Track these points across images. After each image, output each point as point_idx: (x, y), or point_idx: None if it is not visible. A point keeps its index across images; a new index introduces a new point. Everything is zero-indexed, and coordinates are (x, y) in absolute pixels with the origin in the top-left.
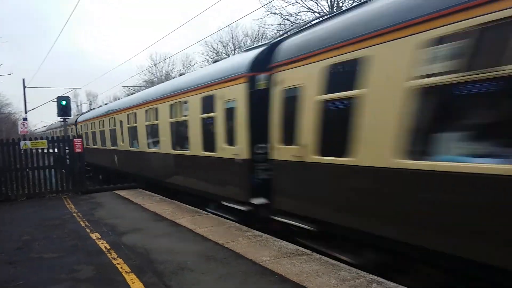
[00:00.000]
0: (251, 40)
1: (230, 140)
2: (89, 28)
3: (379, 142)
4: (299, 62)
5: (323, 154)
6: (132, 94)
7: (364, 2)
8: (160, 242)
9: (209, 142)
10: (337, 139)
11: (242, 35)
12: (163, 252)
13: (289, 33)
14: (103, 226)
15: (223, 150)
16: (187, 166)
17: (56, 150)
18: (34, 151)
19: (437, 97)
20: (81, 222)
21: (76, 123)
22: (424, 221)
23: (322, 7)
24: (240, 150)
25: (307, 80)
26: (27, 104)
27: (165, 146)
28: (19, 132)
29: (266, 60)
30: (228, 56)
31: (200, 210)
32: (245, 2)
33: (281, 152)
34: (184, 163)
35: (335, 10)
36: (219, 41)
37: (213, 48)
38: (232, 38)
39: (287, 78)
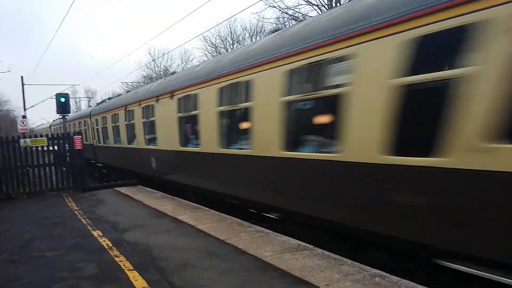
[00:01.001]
0: (249, 34)
1: None
2: (86, 26)
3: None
4: None
5: None
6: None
7: None
8: (162, 238)
9: None
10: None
11: (241, 29)
12: (165, 248)
13: None
14: (105, 223)
15: None
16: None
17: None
18: (34, 148)
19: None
20: (83, 220)
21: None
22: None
23: (321, 0)
24: None
25: None
26: (26, 102)
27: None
28: (18, 130)
29: None
30: (227, 50)
31: (201, 206)
32: None
33: None
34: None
35: (333, 4)
36: (218, 35)
37: (212, 43)
38: (231, 33)
39: None
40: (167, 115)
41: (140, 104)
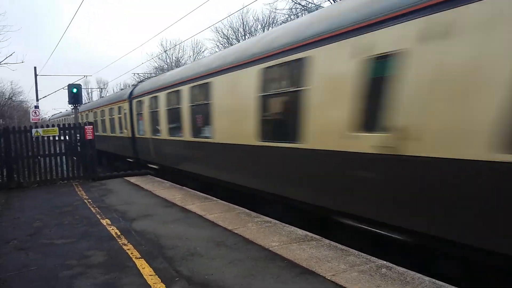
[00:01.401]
0: (261, 26)
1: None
2: (90, 25)
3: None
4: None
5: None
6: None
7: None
8: (170, 228)
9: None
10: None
11: (253, 21)
12: (173, 238)
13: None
14: (114, 212)
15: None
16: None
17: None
18: (45, 138)
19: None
20: (92, 209)
21: None
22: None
23: None
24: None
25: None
26: (39, 92)
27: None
28: (30, 119)
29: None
30: (239, 42)
31: (209, 196)
32: None
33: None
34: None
35: None
36: (230, 26)
37: (223, 34)
38: (243, 24)
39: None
40: (104, 117)
41: (94, 110)
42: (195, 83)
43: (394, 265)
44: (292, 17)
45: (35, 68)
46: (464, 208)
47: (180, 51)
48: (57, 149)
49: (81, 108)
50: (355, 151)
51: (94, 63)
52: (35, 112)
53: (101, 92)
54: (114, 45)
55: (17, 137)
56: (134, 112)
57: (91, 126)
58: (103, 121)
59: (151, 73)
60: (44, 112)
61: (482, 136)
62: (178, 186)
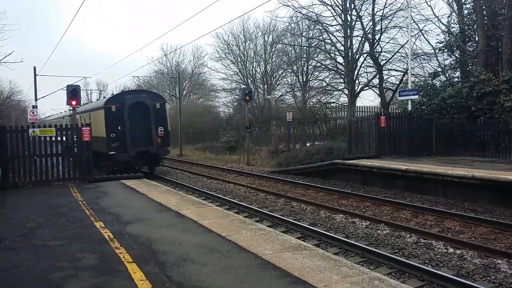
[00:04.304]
0: (262, 33)
1: None
2: (99, 18)
3: None
4: None
5: None
6: None
7: None
8: (164, 232)
9: None
10: None
11: (254, 27)
12: (166, 242)
13: None
14: (108, 215)
15: None
16: None
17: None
18: (42, 138)
19: None
20: (86, 211)
21: None
22: None
23: (335, 0)
24: None
25: None
26: (38, 92)
27: None
28: (28, 119)
29: None
30: (239, 48)
31: (204, 202)
32: None
33: None
34: None
35: (347, 5)
36: (230, 32)
37: (224, 40)
38: (243, 30)
39: None
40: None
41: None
42: None
43: (387, 278)
44: (292, 25)
45: (34, 68)
46: None
47: (181, 55)
48: (54, 149)
49: None
50: None
51: (94, 64)
52: (33, 112)
53: (101, 94)
54: (115, 47)
55: (14, 137)
56: None
57: (88, 128)
58: None
59: (150, 77)
60: (42, 112)
61: None
62: (174, 190)
